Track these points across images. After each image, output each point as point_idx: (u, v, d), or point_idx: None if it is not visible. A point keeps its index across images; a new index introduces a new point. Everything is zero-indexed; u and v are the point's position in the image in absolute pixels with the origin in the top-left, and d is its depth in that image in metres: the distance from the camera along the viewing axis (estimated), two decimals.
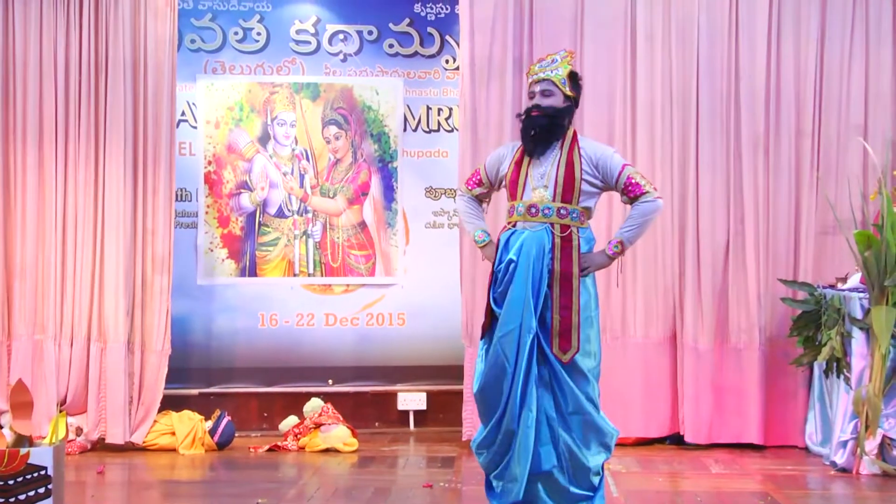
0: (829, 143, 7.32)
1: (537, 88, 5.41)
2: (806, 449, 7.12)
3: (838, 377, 6.64)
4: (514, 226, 5.41)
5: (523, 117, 5.43)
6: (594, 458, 5.33)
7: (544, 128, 5.38)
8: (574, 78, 5.47)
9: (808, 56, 7.32)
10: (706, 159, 7.30)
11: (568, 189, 5.34)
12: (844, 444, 6.54)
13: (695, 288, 7.26)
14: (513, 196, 5.43)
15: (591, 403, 5.35)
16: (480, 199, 5.69)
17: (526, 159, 5.42)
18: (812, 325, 6.81)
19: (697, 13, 7.33)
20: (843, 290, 6.80)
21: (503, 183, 5.53)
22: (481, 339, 5.44)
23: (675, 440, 7.33)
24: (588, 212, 5.41)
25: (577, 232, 5.35)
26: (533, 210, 5.37)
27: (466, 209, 5.69)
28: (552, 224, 5.33)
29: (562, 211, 5.34)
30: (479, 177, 5.64)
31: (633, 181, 5.37)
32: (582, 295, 5.34)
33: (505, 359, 5.28)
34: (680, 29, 7.34)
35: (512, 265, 5.33)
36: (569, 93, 5.43)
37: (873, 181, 7.09)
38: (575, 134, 5.45)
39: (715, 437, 7.25)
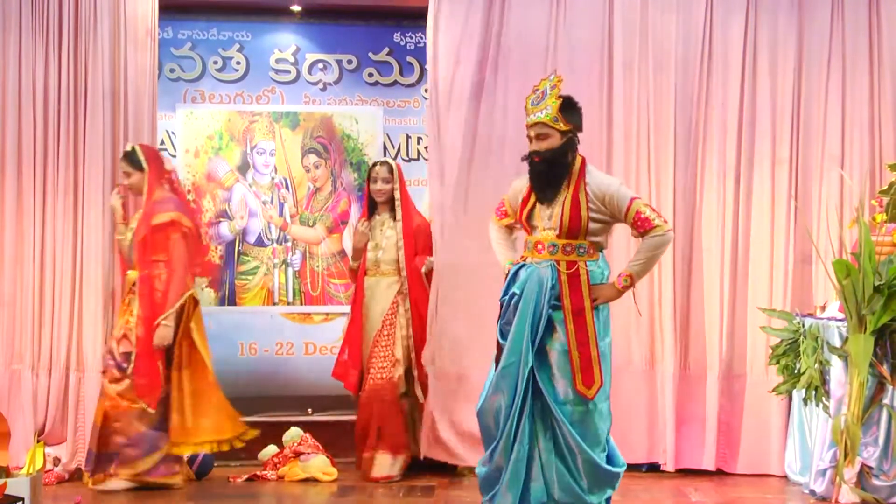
0: (807, 173, 7.37)
1: (532, 133, 5.45)
2: (785, 477, 7.13)
3: (817, 405, 6.66)
4: (524, 259, 5.50)
5: (529, 162, 5.49)
6: (593, 496, 5.33)
7: (545, 174, 5.42)
8: (567, 106, 5.46)
9: (785, 86, 7.37)
10: (681, 188, 7.34)
11: (574, 228, 5.36)
12: (823, 472, 6.54)
13: (672, 316, 7.27)
14: (526, 231, 5.55)
15: (593, 440, 5.33)
16: (511, 228, 5.77)
17: (533, 197, 5.49)
18: (791, 353, 6.82)
19: (674, 43, 7.37)
20: (822, 319, 6.82)
21: None
22: (495, 366, 5.47)
23: (654, 468, 7.33)
24: (597, 245, 5.43)
25: (586, 265, 5.37)
26: (539, 247, 5.43)
27: (496, 238, 5.77)
28: (557, 261, 5.37)
29: (567, 248, 5.38)
30: (504, 207, 5.74)
31: (643, 216, 5.38)
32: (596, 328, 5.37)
33: (503, 392, 5.32)
34: (657, 58, 7.37)
35: (515, 298, 5.38)
36: (563, 127, 5.43)
37: (851, 210, 7.13)
38: (583, 165, 5.46)
39: (694, 465, 7.27)
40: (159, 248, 6.74)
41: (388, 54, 8.16)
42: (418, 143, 8.13)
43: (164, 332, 6.70)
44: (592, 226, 5.40)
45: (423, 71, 8.16)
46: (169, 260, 6.74)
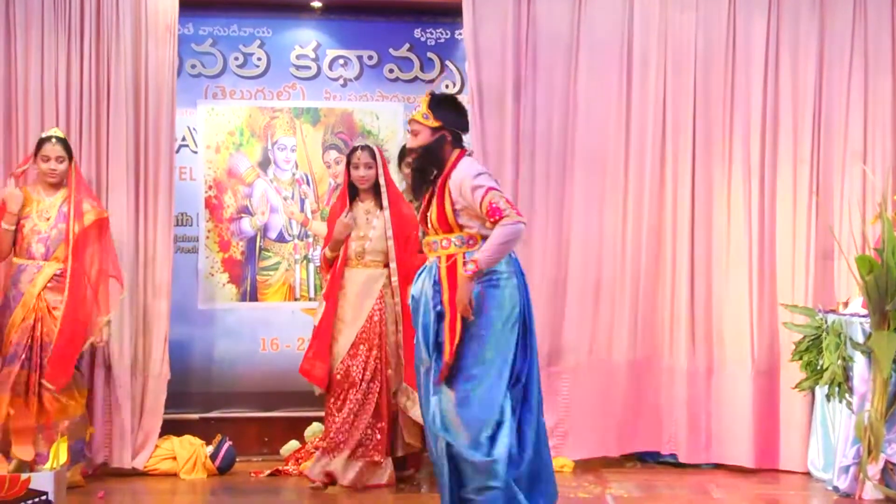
0: (828, 169, 7.36)
1: (408, 129, 5.64)
2: (808, 474, 7.12)
3: (840, 402, 6.65)
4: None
5: None
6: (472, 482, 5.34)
7: (417, 171, 5.56)
8: (437, 103, 5.52)
9: (807, 84, 7.36)
10: (701, 186, 7.34)
11: (442, 223, 5.41)
12: (847, 468, 6.54)
13: (692, 311, 7.32)
14: (426, 232, 5.62)
15: (462, 426, 5.29)
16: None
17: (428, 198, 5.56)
18: (814, 349, 6.82)
19: (695, 39, 7.37)
20: (845, 315, 6.82)
21: None
22: None
23: (672, 462, 7.36)
24: (476, 236, 5.36)
25: (464, 256, 5.35)
26: (427, 247, 5.54)
27: None
28: (439, 257, 5.41)
29: (444, 242, 5.43)
30: None
31: (494, 205, 5.26)
32: (477, 317, 5.30)
33: (424, 396, 5.46)
34: (677, 55, 7.37)
35: (413, 302, 5.55)
36: (433, 123, 5.47)
37: (873, 205, 7.12)
38: (457, 158, 5.46)
39: (716, 460, 7.28)
40: (91, 242, 6.73)
41: (408, 50, 8.15)
42: None
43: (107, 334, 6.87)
44: (462, 218, 5.37)
45: (443, 67, 8.16)
46: (101, 258, 6.76)
